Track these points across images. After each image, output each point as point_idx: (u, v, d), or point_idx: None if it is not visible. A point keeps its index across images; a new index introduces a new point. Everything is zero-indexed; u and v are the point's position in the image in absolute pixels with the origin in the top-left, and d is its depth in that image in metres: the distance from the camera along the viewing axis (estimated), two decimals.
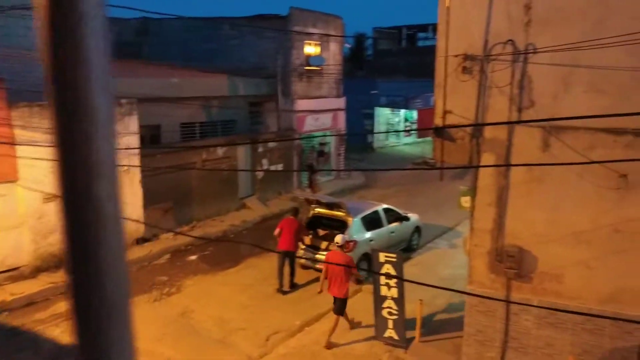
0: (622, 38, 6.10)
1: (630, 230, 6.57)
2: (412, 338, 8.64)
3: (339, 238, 9.16)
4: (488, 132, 7.11)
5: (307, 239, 11.78)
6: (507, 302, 7.24)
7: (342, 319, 8.91)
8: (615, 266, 6.71)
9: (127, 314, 1.05)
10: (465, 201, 8.27)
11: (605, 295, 6.81)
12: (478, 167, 7.22)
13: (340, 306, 8.62)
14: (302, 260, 11.71)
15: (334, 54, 21.77)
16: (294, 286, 11.23)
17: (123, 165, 12.58)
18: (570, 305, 6.79)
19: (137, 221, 12.46)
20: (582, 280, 6.91)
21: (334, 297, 8.74)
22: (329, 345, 8.65)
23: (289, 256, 11.00)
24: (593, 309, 6.74)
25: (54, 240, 11.62)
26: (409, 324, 8.56)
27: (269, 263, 12.60)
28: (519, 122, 6.86)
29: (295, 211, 11.53)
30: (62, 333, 9.19)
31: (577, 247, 6.86)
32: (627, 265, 6.65)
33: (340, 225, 11.67)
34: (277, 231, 11.05)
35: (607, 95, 6.46)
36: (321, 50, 20.96)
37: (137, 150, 13.04)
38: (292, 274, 11.17)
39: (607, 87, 6.46)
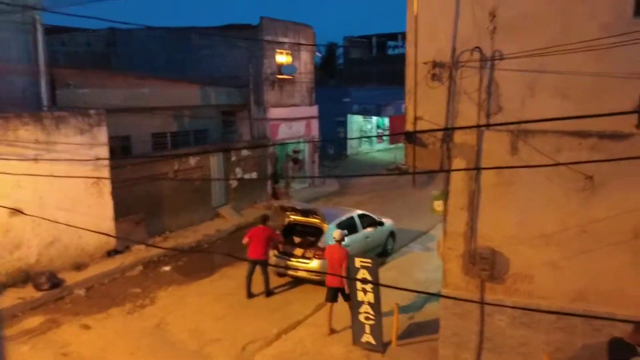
0: (584, 44, 6.33)
1: (596, 231, 6.78)
2: (389, 342, 8.68)
3: (337, 233, 9.82)
4: (458, 137, 7.24)
5: (281, 247, 11.74)
6: (482, 303, 7.36)
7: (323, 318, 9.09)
8: (582, 266, 6.90)
9: None
10: (438, 205, 8.38)
11: (574, 294, 6.99)
12: (449, 171, 7.34)
13: (344, 294, 9.13)
14: (278, 268, 11.65)
15: (305, 62, 21.89)
16: (269, 294, 11.17)
17: (93, 177, 12.34)
18: (542, 305, 6.94)
19: (107, 234, 12.21)
20: (552, 280, 7.08)
21: (333, 287, 9.29)
22: (331, 332, 9.35)
23: (261, 264, 10.97)
24: (564, 307, 6.92)
25: (22, 255, 11.29)
26: (386, 328, 8.59)
27: (243, 272, 12.47)
28: (487, 125, 7.02)
29: (264, 219, 11.38)
30: (30, 349, 8.92)
31: (546, 248, 7.03)
32: (594, 265, 6.85)
33: (316, 232, 11.68)
34: (245, 240, 11.01)
35: (572, 99, 6.68)
36: (293, 59, 21.03)
37: (106, 162, 12.80)
38: (266, 281, 11.12)
39: (572, 92, 6.68)
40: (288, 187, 20.06)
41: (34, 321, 9.98)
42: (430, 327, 8.91)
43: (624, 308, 6.71)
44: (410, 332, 9.14)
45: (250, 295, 11.05)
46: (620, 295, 6.77)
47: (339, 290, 9.21)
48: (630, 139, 6.46)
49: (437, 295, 6.94)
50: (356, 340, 8.77)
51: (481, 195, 7.26)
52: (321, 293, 11.16)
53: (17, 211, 10.77)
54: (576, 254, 6.90)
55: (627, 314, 6.58)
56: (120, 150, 15.17)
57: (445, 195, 7.57)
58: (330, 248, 9.82)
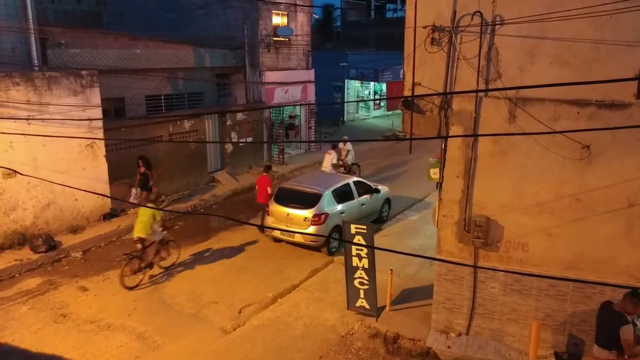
0: (586, 10, 6.20)
1: (590, 200, 6.82)
2: (383, 307, 8.83)
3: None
4: (456, 104, 7.18)
5: (269, 211, 11.95)
6: (475, 267, 7.46)
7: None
8: (575, 234, 6.97)
9: None
10: (434, 173, 8.38)
11: (566, 262, 7.09)
12: (446, 137, 7.30)
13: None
14: (275, 233, 11.73)
15: (302, 25, 21.44)
16: (264, 230, 12.37)
17: (87, 138, 12.23)
18: (535, 272, 7.05)
19: (103, 195, 12.19)
20: (545, 248, 7.16)
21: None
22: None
23: (261, 208, 12.58)
24: (556, 275, 7.02)
25: (17, 217, 11.29)
26: (380, 293, 8.73)
27: (240, 236, 12.61)
28: (485, 90, 6.94)
29: (267, 168, 13.46)
30: (30, 309, 9.03)
31: (540, 216, 7.08)
32: (587, 233, 6.92)
33: (312, 199, 11.67)
34: (256, 189, 13.03)
35: (571, 67, 6.59)
36: (289, 21, 20.60)
37: (100, 124, 12.65)
38: (262, 220, 12.41)
39: (571, 59, 6.58)
40: (282, 154, 19.96)
41: (31, 282, 10.07)
42: (423, 293, 9.06)
43: (615, 276, 6.82)
44: (404, 298, 9.29)
45: (263, 230, 12.44)
46: (612, 264, 6.87)
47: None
48: (629, 109, 6.42)
49: (432, 259, 6.99)
50: (350, 305, 8.91)
51: (477, 163, 7.25)
52: (316, 258, 11.32)
53: (12, 171, 10.70)
54: (570, 222, 6.96)
55: (617, 282, 6.69)
56: (113, 112, 14.99)
57: (441, 163, 7.56)
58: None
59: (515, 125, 6.92)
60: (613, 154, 6.60)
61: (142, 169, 13.38)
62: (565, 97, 6.61)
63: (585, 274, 6.97)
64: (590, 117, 6.59)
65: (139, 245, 10.04)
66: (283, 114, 21.54)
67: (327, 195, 11.65)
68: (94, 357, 7.77)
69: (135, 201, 13.03)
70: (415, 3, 7.11)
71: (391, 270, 8.87)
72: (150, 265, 10.30)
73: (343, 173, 15.70)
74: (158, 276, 10.48)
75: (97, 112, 12.59)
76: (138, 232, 9.97)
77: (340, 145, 17.12)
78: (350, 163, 16.86)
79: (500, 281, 7.50)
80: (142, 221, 9.91)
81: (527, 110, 6.83)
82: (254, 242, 12.37)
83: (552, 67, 6.66)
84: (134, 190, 13.26)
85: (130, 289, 9.83)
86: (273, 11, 19.73)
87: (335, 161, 16.04)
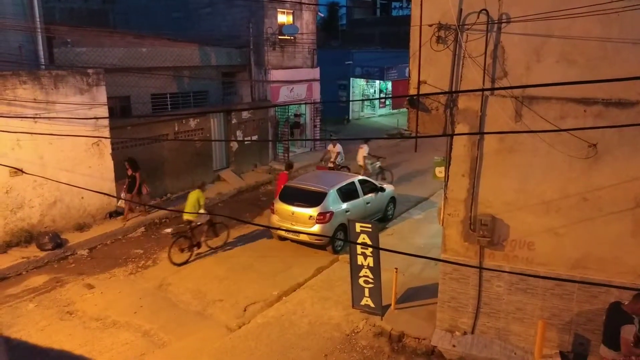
0: (593, 8, 6.16)
1: (597, 199, 6.78)
2: (388, 305, 8.83)
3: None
4: (462, 103, 7.15)
5: (275, 210, 11.94)
6: (480, 268, 7.43)
7: None
8: (582, 233, 6.94)
9: None
10: (440, 171, 8.36)
11: (573, 262, 7.06)
12: (452, 135, 7.28)
13: None
14: (281, 232, 11.75)
15: (307, 23, 21.41)
16: None
17: (93, 137, 12.28)
18: (540, 272, 7.03)
19: (108, 195, 12.24)
20: (551, 247, 7.13)
21: None
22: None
23: None
24: (562, 274, 6.99)
25: (24, 215, 11.36)
26: (385, 292, 8.72)
27: (244, 234, 12.62)
28: (491, 88, 6.91)
29: (289, 166, 13.82)
30: (36, 307, 9.09)
31: (546, 215, 7.05)
32: (593, 233, 6.89)
33: (317, 197, 11.67)
34: (275, 185, 13.39)
35: (578, 65, 6.55)
36: (294, 19, 20.58)
37: (106, 122, 12.70)
38: None
39: (578, 57, 6.54)
40: (287, 153, 19.96)
41: (38, 280, 10.14)
42: (428, 292, 9.05)
43: (621, 276, 6.79)
44: (409, 296, 9.27)
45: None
46: (618, 263, 6.83)
47: None
48: (636, 107, 6.38)
49: (437, 260, 6.99)
50: (355, 303, 8.91)
51: (483, 162, 7.23)
52: (322, 257, 11.33)
53: (18, 170, 10.77)
54: (576, 222, 6.93)
55: (624, 282, 6.66)
56: (119, 111, 15.04)
57: (447, 162, 7.54)
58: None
59: (522, 124, 6.89)
60: (620, 153, 6.56)
61: (130, 172, 12.91)
62: (572, 95, 6.58)
63: (591, 273, 6.94)
64: (597, 116, 6.55)
65: (187, 226, 11.08)
66: (288, 112, 21.54)
67: (332, 194, 11.65)
68: (100, 354, 7.81)
69: (123, 206, 12.92)
70: (421, 1, 7.07)
71: (396, 268, 8.86)
72: (198, 245, 11.32)
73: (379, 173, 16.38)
74: (205, 254, 11.42)
75: (103, 111, 12.64)
76: (186, 215, 11.14)
77: (330, 147, 16.99)
78: (340, 165, 16.55)
79: (505, 280, 7.48)
80: (189, 204, 11.10)
81: (533, 108, 6.80)
82: (259, 240, 12.39)
83: (559, 65, 6.63)
84: (122, 194, 12.96)
85: (178, 265, 10.80)
86: (278, 9, 19.73)
87: (366, 154, 16.28)
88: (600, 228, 6.83)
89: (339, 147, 16.81)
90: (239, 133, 18.08)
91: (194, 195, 11.15)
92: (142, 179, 13.18)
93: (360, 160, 16.36)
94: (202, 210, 11.18)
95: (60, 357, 7.78)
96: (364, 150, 16.34)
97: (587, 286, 7.02)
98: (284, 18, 20.13)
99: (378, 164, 16.65)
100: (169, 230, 12.93)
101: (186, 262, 10.92)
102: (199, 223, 11.29)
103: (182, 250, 10.96)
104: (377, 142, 22.98)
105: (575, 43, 6.50)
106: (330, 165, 16.42)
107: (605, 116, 6.51)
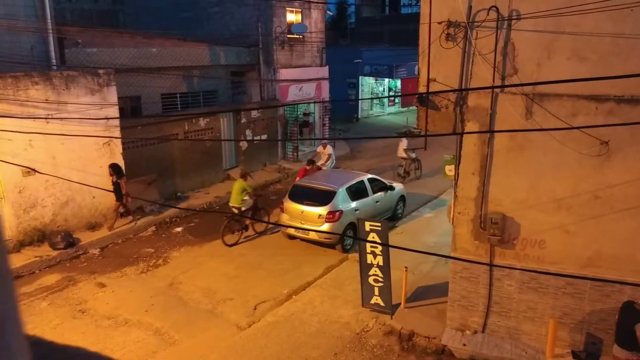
0: (604, 4, 6.09)
1: (609, 197, 6.71)
2: (398, 304, 8.81)
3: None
4: (472, 100, 7.11)
5: (285, 208, 11.96)
6: (491, 265, 7.39)
7: None
8: (593, 231, 6.87)
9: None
10: (450, 170, 8.33)
11: (584, 260, 6.99)
12: (462, 133, 7.24)
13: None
14: (290, 231, 11.77)
15: (316, 21, 21.41)
16: None
17: (104, 137, 12.37)
18: (552, 270, 6.96)
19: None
20: (562, 246, 7.07)
21: None
22: None
23: None
24: (573, 273, 6.93)
25: (37, 215, 11.48)
26: (395, 290, 8.71)
27: (254, 233, 12.66)
28: (502, 86, 6.87)
29: (310, 162, 14.31)
30: (49, 305, 9.19)
31: (557, 213, 7.00)
32: (605, 231, 6.82)
33: (326, 196, 11.68)
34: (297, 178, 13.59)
35: (589, 62, 6.48)
36: (303, 18, 20.58)
37: (117, 122, 12.80)
38: None
39: (589, 54, 6.48)
40: (296, 151, 19.95)
41: (51, 279, 10.25)
42: (438, 291, 9.02)
43: (635, 274, 6.71)
44: (419, 295, 9.25)
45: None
46: (631, 261, 6.76)
47: None
48: None
49: (448, 257, 6.96)
50: (365, 302, 8.91)
51: (493, 160, 7.18)
52: (331, 256, 11.33)
53: (31, 170, 10.89)
54: (588, 219, 6.87)
55: (637, 281, 6.58)
56: (130, 111, 15.14)
57: (457, 160, 7.50)
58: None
59: (532, 121, 6.83)
60: (632, 150, 6.49)
61: (114, 178, 12.21)
62: (583, 92, 6.51)
63: (603, 272, 6.87)
64: (609, 113, 6.49)
65: (236, 211, 12.10)
66: (297, 111, 21.56)
67: (342, 193, 11.64)
68: (112, 352, 7.88)
69: (113, 213, 12.59)
70: None
71: (406, 267, 8.84)
72: (246, 228, 12.38)
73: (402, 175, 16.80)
74: (252, 237, 12.35)
75: (114, 111, 12.73)
76: (232, 202, 12.25)
77: (320, 149, 16.52)
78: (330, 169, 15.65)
79: (516, 279, 7.43)
80: (234, 193, 12.16)
81: (544, 106, 6.74)
82: (268, 238, 12.42)
83: (570, 62, 6.56)
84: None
85: (229, 246, 11.81)
86: (287, 8, 19.74)
87: (406, 147, 16.86)
88: (612, 226, 6.76)
89: (329, 149, 16.12)
90: (248, 132, 18.13)
91: (238, 185, 12.15)
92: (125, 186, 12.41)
93: (401, 152, 17.11)
94: (246, 198, 12.20)
95: (78, 354, 7.87)
96: (403, 144, 17.08)
97: (599, 285, 6.95)
98: (292, 17, 20.14)
99: (414, 154, 17.07)
100: (179, 229, 13.04)
101: (236, 244, 11.94)
102: (244, 209, 12.23)
103: (232, 232, 12.05)
104: (385, 140, 22.99)
105: (586, 39, 6.43)
106: (316, 168, 14.54)
107: (617, 113, 6.44)
